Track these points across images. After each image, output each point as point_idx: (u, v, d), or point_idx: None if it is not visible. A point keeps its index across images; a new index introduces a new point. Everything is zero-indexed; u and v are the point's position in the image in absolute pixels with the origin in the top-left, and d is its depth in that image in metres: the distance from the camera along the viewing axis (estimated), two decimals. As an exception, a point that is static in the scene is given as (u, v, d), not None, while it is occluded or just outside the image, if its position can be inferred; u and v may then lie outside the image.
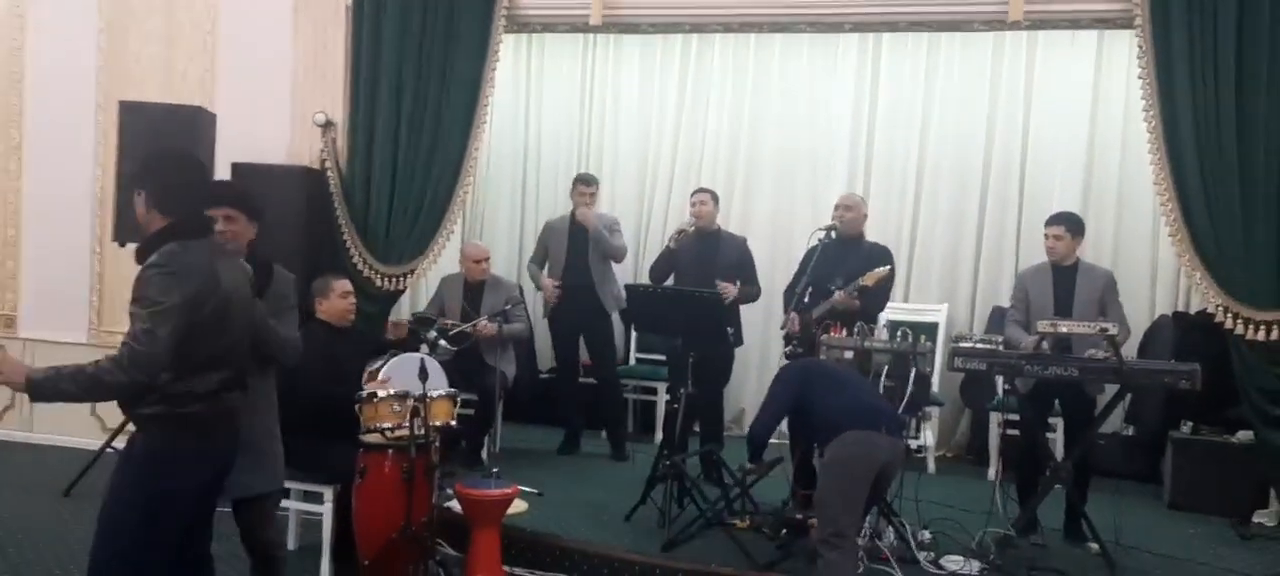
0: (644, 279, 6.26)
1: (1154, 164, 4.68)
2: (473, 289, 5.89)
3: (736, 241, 5.79)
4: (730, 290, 5.43)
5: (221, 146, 5.55)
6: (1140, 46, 4.74)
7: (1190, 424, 5.60)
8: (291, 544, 4.48)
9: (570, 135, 7.44)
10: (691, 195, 5.87)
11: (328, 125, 5.60)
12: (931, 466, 6.08)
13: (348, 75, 5.63)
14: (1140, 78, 4.75)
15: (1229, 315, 4.49)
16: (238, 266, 3.03)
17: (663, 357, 6.49)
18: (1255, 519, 5.12)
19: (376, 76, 5.53)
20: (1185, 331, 5.80)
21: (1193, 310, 5.92)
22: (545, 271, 6.23)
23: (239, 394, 2.91)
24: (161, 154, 2.97)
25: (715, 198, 5.85)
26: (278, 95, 5.77)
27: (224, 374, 2.81)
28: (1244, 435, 5.23)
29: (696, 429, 5.68)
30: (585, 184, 6.13)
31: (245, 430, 3.08)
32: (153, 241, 2.72)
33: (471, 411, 5.55)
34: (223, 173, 5.48)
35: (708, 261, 5.57)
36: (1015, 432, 5.45)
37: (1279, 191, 4.46)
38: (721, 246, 5.68)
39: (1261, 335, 4.43)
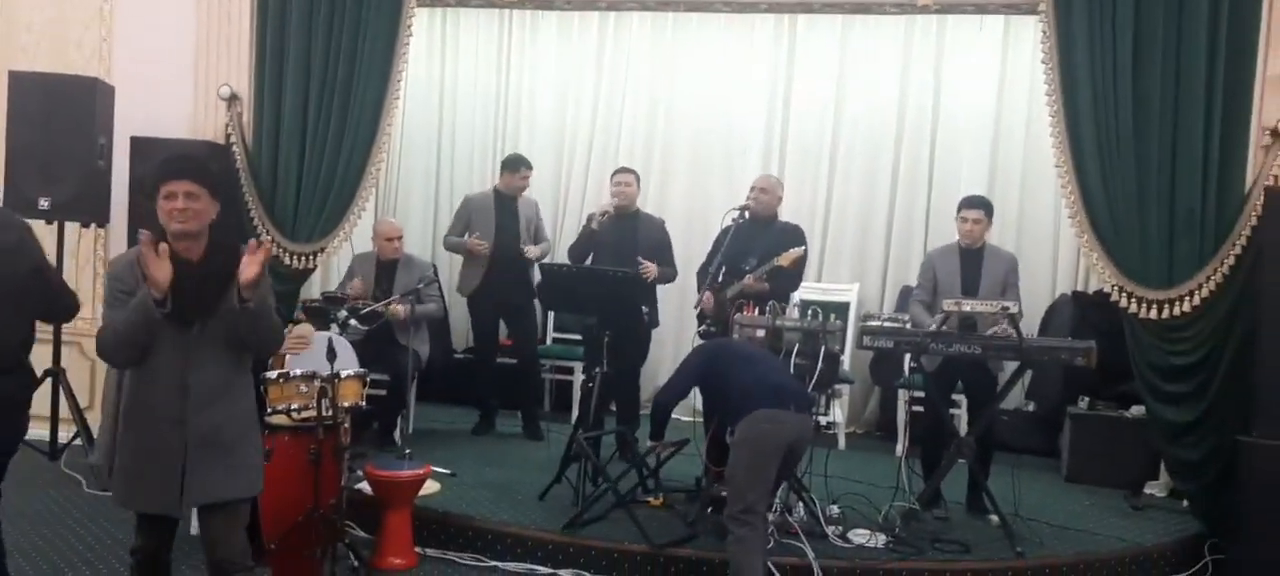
0: (562, 259, 6.21)
1: (1055, 147, 4.78)
2: (385, 267, 5.79)
3: (655, 222, 5.79)
4: (651, 270, 5.44)
5: (120, 119, 5.37)
6: (1044, 32, 4.85)
7: (1087, 399, 5.81)
8: (194, 527, 4.34)
9: (486, 113, 7.36)
10: (614, 175, 5.84)
11: (233, 98, 5.41)
12: (842, 442, 6.21)
13: (253, 46, 5.44)
14: (1044, 62, 4.85)
15: (1123, 294, 4.63)
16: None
17: (579, 337, 6.48)
18: (1146, 490, 5.33)
19: (284, 48, 5.35)
20: (1083, 310, 6.01)
21: (1091, 289, 6.13)
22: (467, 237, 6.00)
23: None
24: None
25: (638, 178, 5.84)
26: (180, 66, 5.53)
27: None
28: (1136, 410, 5.44)
29: (613, 408, 5.70)
30: (528, 167, 6.02)
31: (210, 428, 2.89)
32: None
33: (384, 392, 5.47)
34: (122, 147, 5.29)
35: (627, 243, 5.56)
36: (922, 409, 5.59)
37: (1172, 175, 4.59)
38: (640, 227, 5.68)
39: (1153, 313, 4.57)
